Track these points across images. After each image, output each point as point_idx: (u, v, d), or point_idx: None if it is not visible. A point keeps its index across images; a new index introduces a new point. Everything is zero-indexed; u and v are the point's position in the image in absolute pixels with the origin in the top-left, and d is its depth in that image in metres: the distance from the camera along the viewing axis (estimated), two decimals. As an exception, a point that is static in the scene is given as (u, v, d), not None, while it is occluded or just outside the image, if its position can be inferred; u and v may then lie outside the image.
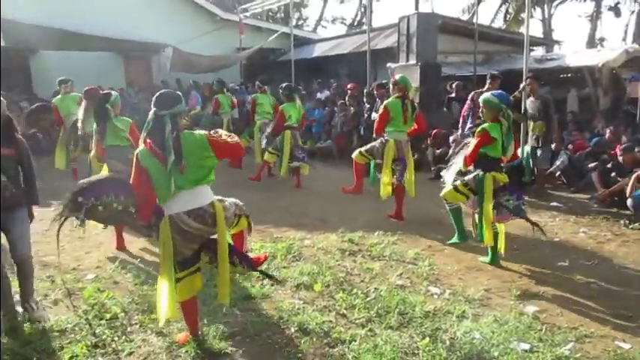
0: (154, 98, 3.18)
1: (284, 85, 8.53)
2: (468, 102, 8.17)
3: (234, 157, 3.14)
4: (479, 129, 4.76)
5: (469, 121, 8.05)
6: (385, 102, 6.28)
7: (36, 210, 6.84)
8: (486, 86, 7.73)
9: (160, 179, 3.09)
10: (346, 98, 11.59)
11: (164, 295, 3.18)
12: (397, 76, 6.38)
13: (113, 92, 5.47)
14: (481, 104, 4.85)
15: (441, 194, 5.11)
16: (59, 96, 8.62)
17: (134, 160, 3.16)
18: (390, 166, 6.12)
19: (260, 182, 8.71)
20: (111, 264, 4.96)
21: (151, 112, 3.13)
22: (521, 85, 7.50)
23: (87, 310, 3.85)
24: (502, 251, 4.86)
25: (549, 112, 7.40)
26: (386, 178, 6.12)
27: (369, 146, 6.44)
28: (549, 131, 7.50)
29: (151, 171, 3.11)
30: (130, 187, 3.26)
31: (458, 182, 4.93)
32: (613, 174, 7.00)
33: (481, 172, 4.73)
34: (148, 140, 3.14)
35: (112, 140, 5.22)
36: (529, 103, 7.48)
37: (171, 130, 3.06)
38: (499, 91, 4.95)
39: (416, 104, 6.49)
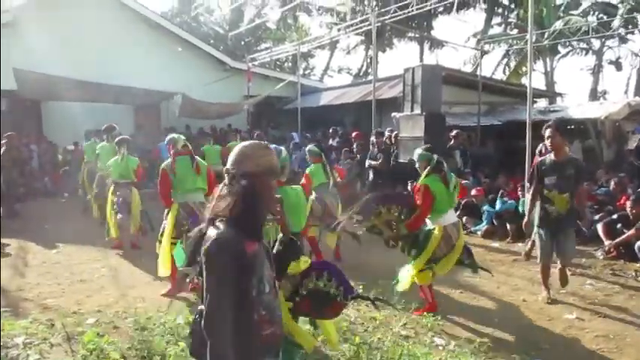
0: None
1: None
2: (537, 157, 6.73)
3: None
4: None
5: None
6: (163, 165, 5.33)
7: (39, 251, 6.90)
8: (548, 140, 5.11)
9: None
10: (354, 146, 11.70)
11: None
12: (169, 137, 5.51)
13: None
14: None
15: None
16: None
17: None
18: (170, 235, 5.15)
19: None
20: (112, 308, 4.91)
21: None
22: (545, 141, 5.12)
23: (86, 355, 3.78)
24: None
25: (580, 180, 5.07)
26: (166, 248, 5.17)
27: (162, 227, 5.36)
28: (576, 202, 5.08)
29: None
30: None
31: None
32: (619, 225, 6.96)
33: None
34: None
35: None
36: (548, 165, 5.03)
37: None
38: None
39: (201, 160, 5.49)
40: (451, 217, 4.90)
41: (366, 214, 5.00)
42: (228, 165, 2.01)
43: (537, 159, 5.86)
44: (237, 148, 2.07)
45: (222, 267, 1.85)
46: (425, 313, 4.76)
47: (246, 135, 12.62)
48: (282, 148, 3.49)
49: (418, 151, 5.07)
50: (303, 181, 6.30)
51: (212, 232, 1.89)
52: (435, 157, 4.85)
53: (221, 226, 1.90)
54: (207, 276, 1.86)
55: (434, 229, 4.81)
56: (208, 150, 10.50)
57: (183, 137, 5.47)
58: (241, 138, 11.69)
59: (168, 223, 5.18)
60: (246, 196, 1.94)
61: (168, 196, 5.25)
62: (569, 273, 5.75)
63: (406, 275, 4.90)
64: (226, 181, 2.00)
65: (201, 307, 1.95)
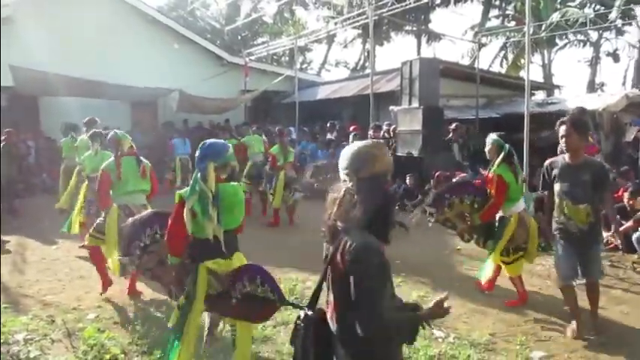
0: None
1: None
2: None
3: None
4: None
5: None
6: (104, 166, 5.07)
7: (38, 248, 6.90)
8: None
9: None
10: (350, 139, 11.69)
11: None
12: (112, 134, 5.23)
13: None
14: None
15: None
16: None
17: None
18: (113, 243, 4.82)
19: (263, 221, 8.78)
20: (112, 304, 4.92)
21: None
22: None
23: (86, 351, 3.79)
24: None
25: (600, 188, 4.05)
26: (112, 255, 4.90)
27: (96, 223, 5.18)
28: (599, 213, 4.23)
29: None
30: None
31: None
32: (617, 217, 6.97)
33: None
34: None
35: None
36: (561, 168, 4.13)
37: None
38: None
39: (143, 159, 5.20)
40: (522, 204, 4.94)
41: (440, 207, 4.98)
42: (350, 168, 1.90)
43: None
44: (357, 149, 1.93)
45: (376, 273, 1.79)
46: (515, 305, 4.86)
47: (246, 129, 12.53)
48: (230, 145, 3.32)
49: (493, 136, 4.97)
50: None
51: (355, 240, 1.79)
52: (507, 146, 4.81)
53: (359, 233, 1.81)
54: (361, 284, 1.76)
55: (510, 217, 4.82)
56: None
57: (129, 137, 5.24)
58: (253, 132, 11.68)
59: (109, 227, 4.91)
60: (380, 199, 1.87)
61: (107, 197, 5.01)
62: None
63: (488, 268, 4.97)
64: (351, 185, 1.88)
65: (307, 312, 1.96)
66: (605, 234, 6.80)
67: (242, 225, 3.30)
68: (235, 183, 3.35)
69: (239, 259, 3.21)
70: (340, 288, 1.83)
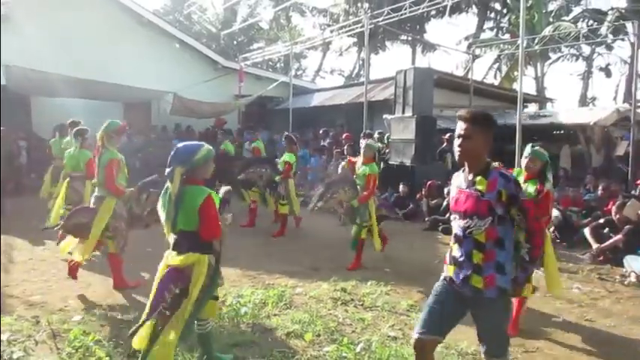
0: None
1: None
2: None
3: None
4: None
5: None
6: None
7: (24, 248, 6.81)
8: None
9: None
10: (345, 147, 11.70)
11: None
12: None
13: None
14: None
15: None
16: None
17: None
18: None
19: (254, 228, 8.74)
20: (98, 306, 4.87)
21: None
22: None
23: (71, 353, 3.75)
24: None
25: None
26: None
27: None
28: None
29: None
30: None
31: None
32: (606, 230, 7.03)
33: None
34: None
35: None
36: None
37: None
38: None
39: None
40: None
41: None
42: None
43: None
44: None
45: None
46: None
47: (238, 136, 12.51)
48: (200, 147, 3.32)
49: (535, 147, 4.38)
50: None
51: None
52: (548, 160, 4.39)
53: None
54: None
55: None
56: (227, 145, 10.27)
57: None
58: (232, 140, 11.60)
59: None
60: None
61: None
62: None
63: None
64: None
65: None
66: (594, 245, 6.89)
67: (212, 231, 3.24)
68: (205, 188, 3.28)
69: (187, 259, 3.21)
70: None
